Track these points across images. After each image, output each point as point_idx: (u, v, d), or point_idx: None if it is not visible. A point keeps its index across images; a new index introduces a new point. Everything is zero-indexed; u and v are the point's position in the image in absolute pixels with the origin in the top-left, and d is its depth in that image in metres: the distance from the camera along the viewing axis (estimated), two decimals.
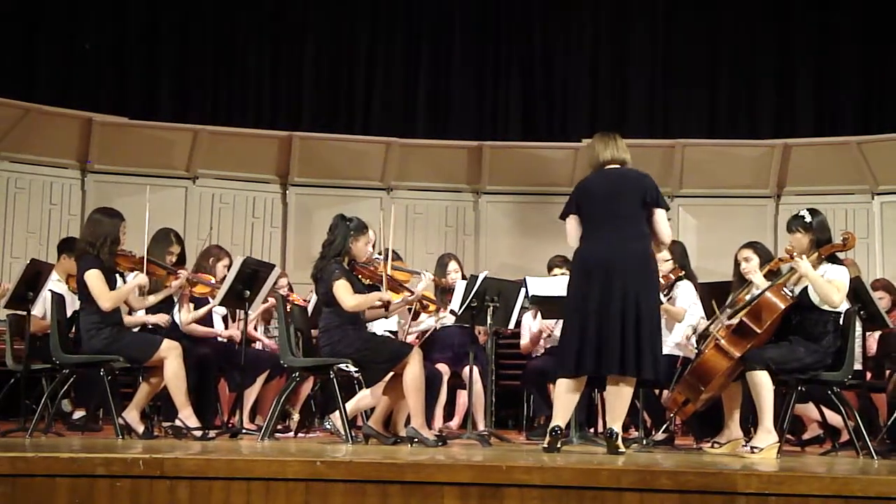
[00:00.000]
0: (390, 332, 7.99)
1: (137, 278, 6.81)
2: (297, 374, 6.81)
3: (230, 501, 4.60)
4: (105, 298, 6.53)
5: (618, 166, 5.95)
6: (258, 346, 8.27)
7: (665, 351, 7.19)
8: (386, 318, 7.47)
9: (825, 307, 6.13)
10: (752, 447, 5.99)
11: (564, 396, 5.78)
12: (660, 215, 5.85)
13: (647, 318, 5.72)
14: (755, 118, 11.68)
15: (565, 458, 5.36)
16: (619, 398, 5.74)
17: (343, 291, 6.44)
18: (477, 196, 11.48)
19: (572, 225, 5.93)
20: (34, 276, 7.23)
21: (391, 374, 6.48)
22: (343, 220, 6.66)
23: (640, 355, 5.66)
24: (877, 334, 7.46)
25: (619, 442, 5.70)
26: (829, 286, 6.09)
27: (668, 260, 7.32)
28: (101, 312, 6.55)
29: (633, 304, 5.69)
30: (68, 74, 11.25)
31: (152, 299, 6.99)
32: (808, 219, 6.23)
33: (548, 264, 8.23)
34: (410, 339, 7.99)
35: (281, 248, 11.21)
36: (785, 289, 6.19)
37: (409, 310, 7.92)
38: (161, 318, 7.25)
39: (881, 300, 7.43)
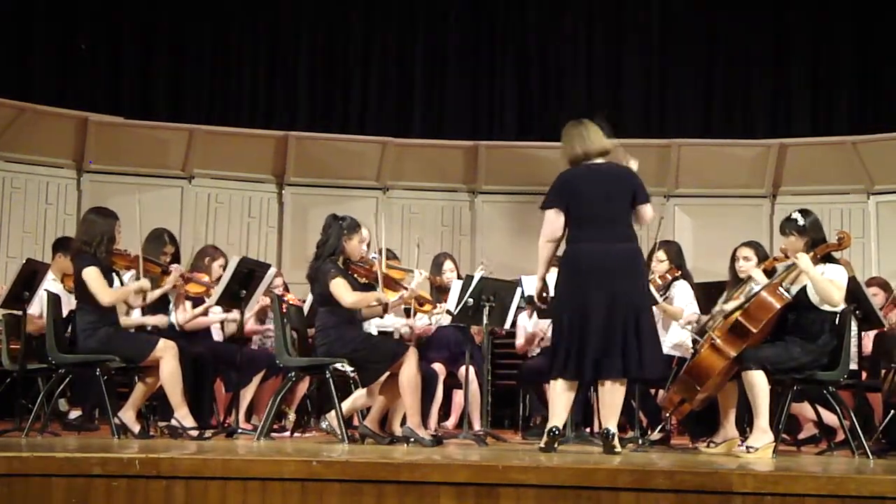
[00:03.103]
0: (383, 331, 8.00)
1: (140, 282, 6.80)
2: (293, 373, 6.81)
3: (226, 501, 4.61)
4: (105, 294, 6.53)
5: (601, 160, 5.98)
6: (254, 345, 8.27)
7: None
8: (381, 317, 7.48)
9: (823, 306, 6.12)
10: (747, 447, 5.98)
11: (561, 396, 5.77)
12: (647, 207, 5.94)
13: (645, 318, 5.79)
14: (751, 118, 11.67)
15: (561, 457, 5.37)
16: (614, 397, 5.75)
17: (341, 289, 6.45)
18: (473, 196, 11.48)
19: (554, 217, 5.93)
20: (30, 275, 7.21)
21: (387, 373, 6.49)
22: (336, 220, 6.67)
23: (642, 356, 5.70)
24: (872, 334, 7.46)
25: (616, 441, 5.70)
26: (829, 284, 6.06)
27: (663, 260, 7.33)
28: (97, 312, 6.55)
29: (631, 306, 5.72)
30: (64, 74, 11.23)
31: (149, 296, 6.97)
32: (801, 221, 6.19)
33: None
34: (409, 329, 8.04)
35: (277, 248, 11.20)
36: (781, 288, 6.18)
37: (406, 309, 7.92)
38: (160, 320, 7.26)
39: (875, 297, 7.43)
